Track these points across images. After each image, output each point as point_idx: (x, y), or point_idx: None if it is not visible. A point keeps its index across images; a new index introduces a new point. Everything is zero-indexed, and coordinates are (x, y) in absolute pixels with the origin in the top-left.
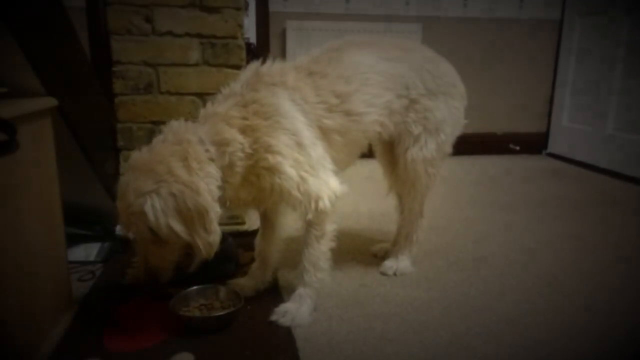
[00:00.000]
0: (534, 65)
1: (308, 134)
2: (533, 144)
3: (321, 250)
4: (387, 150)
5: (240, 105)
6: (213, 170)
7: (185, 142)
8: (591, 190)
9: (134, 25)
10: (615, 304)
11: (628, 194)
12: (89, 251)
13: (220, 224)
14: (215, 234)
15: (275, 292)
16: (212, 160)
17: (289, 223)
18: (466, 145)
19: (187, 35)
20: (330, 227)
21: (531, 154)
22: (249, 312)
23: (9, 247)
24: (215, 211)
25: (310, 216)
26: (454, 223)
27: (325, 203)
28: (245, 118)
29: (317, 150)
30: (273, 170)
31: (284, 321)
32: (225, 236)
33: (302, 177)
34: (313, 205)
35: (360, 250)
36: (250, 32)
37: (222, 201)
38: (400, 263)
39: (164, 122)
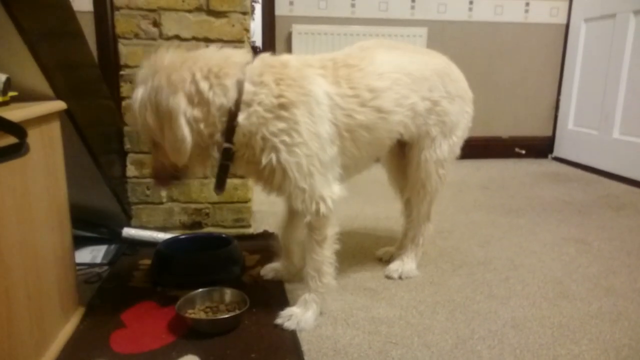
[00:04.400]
0: (539, 69)
1: (330, 130)
2: (539, 147)
3: (324, 255)
4: (394, 155)
5: (280, 67)
6: (231, 86)
7: (231, 57)
8: (597, 194)
9: (142, 29)
10: (621, 308)
11: (634, 198)
12: (95, 253)
13: (226, 227)
14: (179, 141)
15: (280, 296)
16: (239, 82)
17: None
18: (472, 149)
19: (194, 39)
20: (331, 231)
21: (537, 158)
22: (255, 315)
23: (18, 248)
24: (186, 116)
25: (309, 218)
26: (459, 227)
27: (328, 206)
28: (285, 78)
29: (333, 149)
30: (289, 147)
31: (289, 324)
32: (230, 239)
33: (309, 171)
34: (314, 207)
35: (365, 254)
36: (256, 36)
37: (231, 132)
38: (405, 266)
39: None
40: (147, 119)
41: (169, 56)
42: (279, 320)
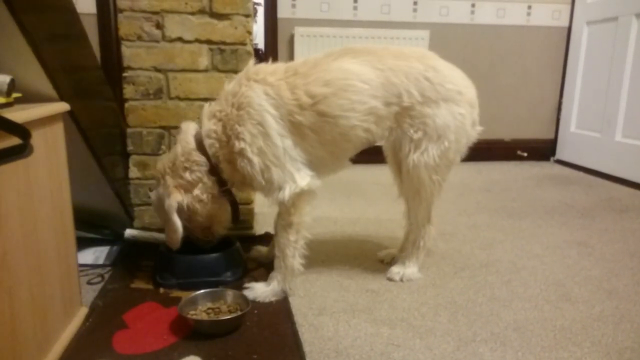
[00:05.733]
0: (542, 72)
1: (276, 126)
2: (541, 150)
3: (288, 239)
4: (396, 158)
5: (223, 99)
6: (198, 158)
7: (183, 141)
8: (599, 197)
9: (145, 31)
10: (623, 311)
11: (636, 201)
12: (98, 254)
13: (228, 229)
14: (175, 233)
15: (282, 298)
16: (199, 150)
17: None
18: (473, 152)
19: (197, 41)
20: (297, 219)
21: (539, 161)
22: (256, 316)
23: (21, 249)
24: (176, 214)
25: (275, 204)
26: (461, 229)
27: (284, 195)
28: (222, 109)
29: (285, 142)
30: (241, 154)
31: (247, 293)
32: (232, 240)
33: (266, 165)
34: (275, 195)
35: (367, 256)
36: (258, 38)
37: (224, 181)
38: (407, 269)
39: (173, 127)
40: (159, 215)
41: (165, 160)
42: (245, 291)
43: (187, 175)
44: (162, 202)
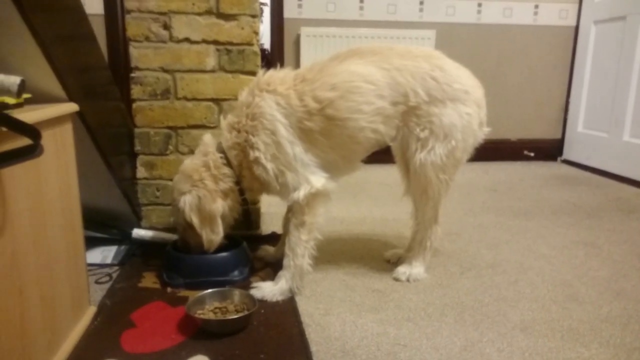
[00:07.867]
0: (549, 72)
1: (287, 134)
2: (548, 150)
3: (300, 238)
4: (405, 156)
5: (238, 110)
6: (227, 171)
7: (211, 154)
8: (606, 197)
9: (152, 32)
10: (631, 311)
11: None
12: (106, 254)
13: (235, 229)
14: (217, 235)
15: (289, 298)
16: (226, 163)
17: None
18: (480, 151)
19: (204, 42)
20: (310, 219)
21: (546, 161)
22: (263, 316)
23: (31, 249)
24: (221, 217)
25: (291, 204)
26: (467, 229)
27: (299, 194)
28: (240, 121)
29: (295, 149)
30: (256, 162)
31: (254, 292)
32: (239, 240)
33: (280, 170)
34: (291, 196)
35: (373, 256)
36: (264, 39)
37: (243, 190)
38: (413, 269)
39: (180, 127)
40: (192, 218)
41: (195, 167)
42: (252, 291)
43: (221, 184)
44: (203, 204)
